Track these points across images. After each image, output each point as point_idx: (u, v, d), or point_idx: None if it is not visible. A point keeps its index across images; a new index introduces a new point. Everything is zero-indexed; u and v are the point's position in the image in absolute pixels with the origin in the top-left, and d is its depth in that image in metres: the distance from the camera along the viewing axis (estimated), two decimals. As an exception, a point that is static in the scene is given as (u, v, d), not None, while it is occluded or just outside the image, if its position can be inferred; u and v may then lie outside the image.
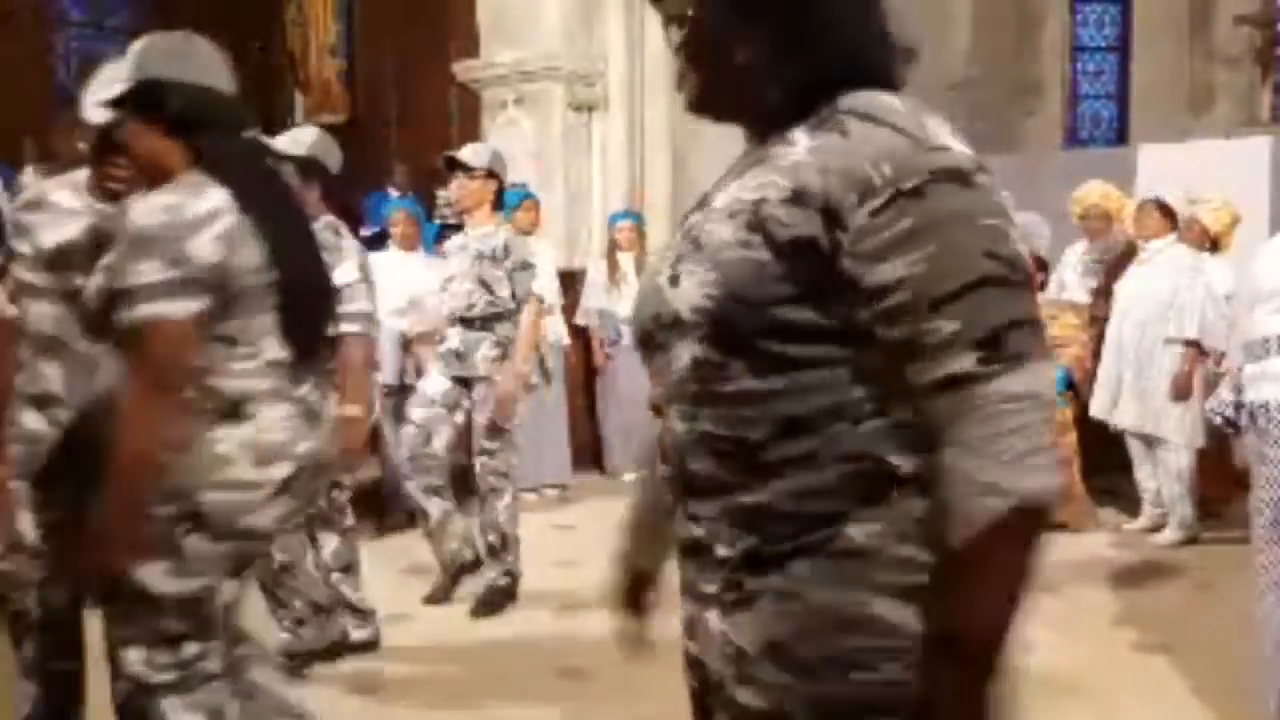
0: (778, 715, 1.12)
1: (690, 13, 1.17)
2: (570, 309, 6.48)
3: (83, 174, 2.42)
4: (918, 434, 1.07)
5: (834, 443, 1.09)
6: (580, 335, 6.60)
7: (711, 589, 1.18)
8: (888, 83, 1.14)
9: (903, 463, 1.08)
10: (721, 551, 1.15)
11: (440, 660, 3.57)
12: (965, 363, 1.01)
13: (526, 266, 3.99)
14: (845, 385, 1.09)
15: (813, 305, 1.07)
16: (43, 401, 2.36)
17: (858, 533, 1.08)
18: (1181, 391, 4.88)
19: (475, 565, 4.08)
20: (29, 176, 5.74)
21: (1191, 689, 3.27)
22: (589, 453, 6.65)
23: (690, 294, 1.11)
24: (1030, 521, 1.04)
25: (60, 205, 2.39)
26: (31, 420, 2.36)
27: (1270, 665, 2.59)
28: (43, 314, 2.35)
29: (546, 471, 6.20)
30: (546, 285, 6.25)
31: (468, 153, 3.99)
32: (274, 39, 9.95)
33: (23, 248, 2.37)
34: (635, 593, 1.50)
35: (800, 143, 1.09)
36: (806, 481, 1.09)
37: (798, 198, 1.06)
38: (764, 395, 1.10)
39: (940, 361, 1.02)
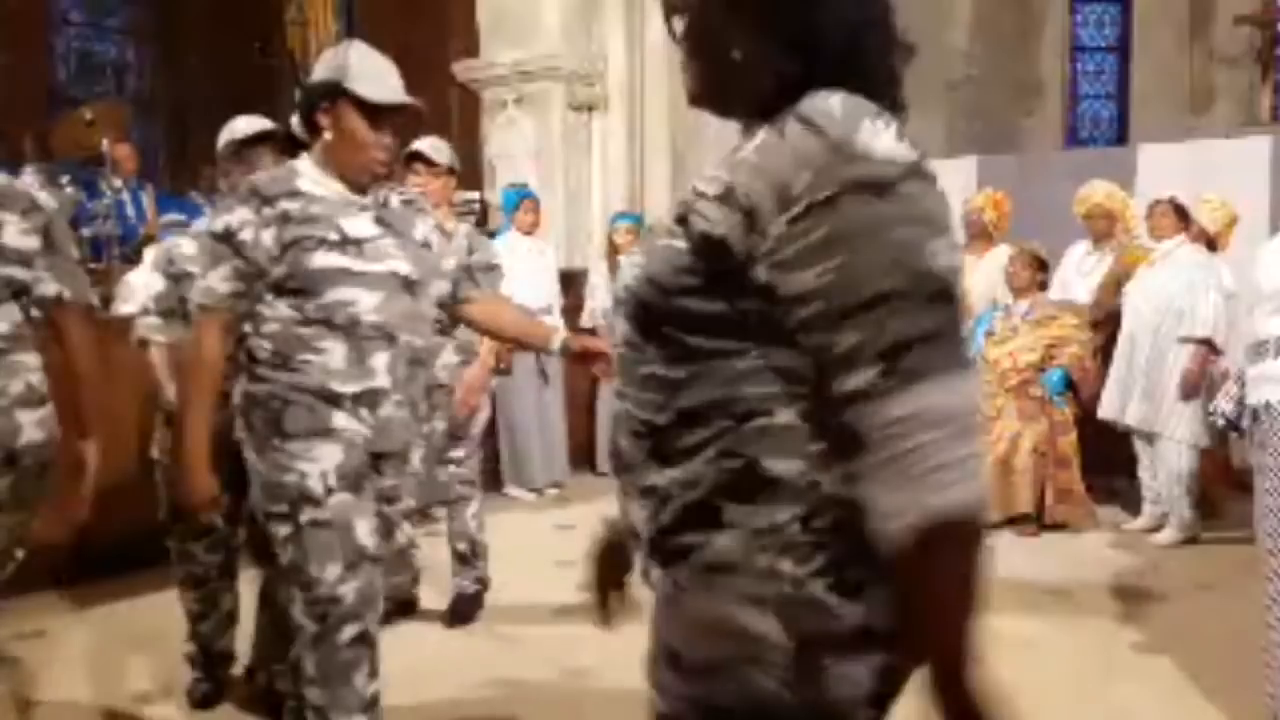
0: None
1: (692, 3, 1.18)
2: (570, 309, 6.47)
3: None
4: (801, 438, 1.08)
5: (718, 438, 1.10)
6: (579, 335, 6.59)
7: (642, 567, 1.22)
8: (881, 81, 1.13)
9: (774, 466, 1.08)
10: (641, 531, 1.19)
11: (439, 660, 3.57)
12: (862, 379, 1.00)
13: (492, 268, 3.87)
14: (738, 382, 1.09)
15: (716, 300, 1.08)
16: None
17: (724, 541, 1.10)
18: (1190, 389, 4.88)
19: (412, 607, 4.00)
20: (29, 176, 5.73)
21: (1192, 689, 3.27)
22: (588, 453, 6.65)
23: (626, 273, 1.17)
24: (952, 535, 1.01)
25: None
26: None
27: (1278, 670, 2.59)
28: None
29: (546, 471, 6.20)
30: (548, 286, 6.27)
31: (428, 147, 3.85)
32: (274, 39, 9.94)
33: None
34: (610, 563, 1.49)
35: (757, 140, 1.10)
36: (692, 472, 1.11)
37: (725, 196, 1.07)
38: (670, 382, 1.12)
39: (842, 376, 1.02)
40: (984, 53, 10.80)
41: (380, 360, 2.32)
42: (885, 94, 1.12)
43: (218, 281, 2.29)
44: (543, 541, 5.00)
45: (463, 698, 3.26)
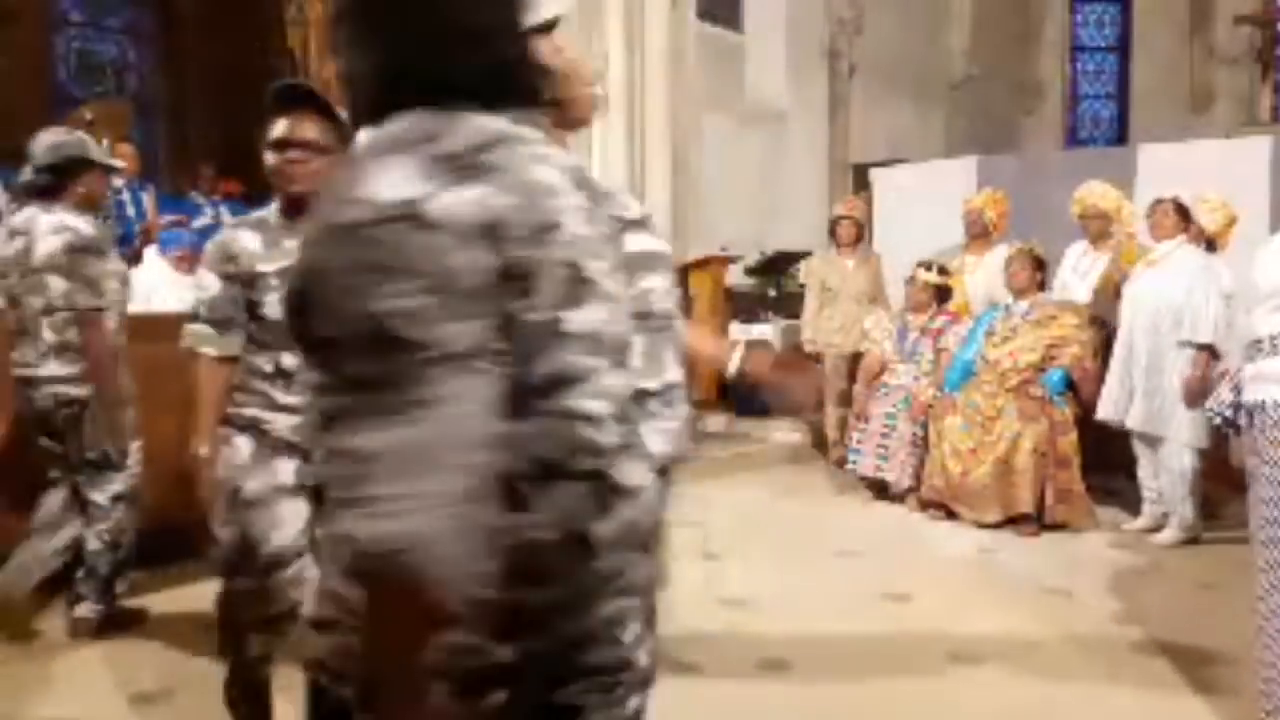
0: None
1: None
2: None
3: None
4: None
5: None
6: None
7: None
8: (481, 101, 1.14)
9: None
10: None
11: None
12: (318, 411, 1.05)
13: None
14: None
15: None
16: None
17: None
18: (1194, 397, 4.85)
19: None
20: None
21: (1192, 689, 3.27)
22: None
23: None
24: (381, 569, 0.99)
25: None
26: None
27: (1273, 667, 2.59)
28: None
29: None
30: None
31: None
32: (274, 39, 9.95)
33: None
34: None
35: None
36: None
37: None
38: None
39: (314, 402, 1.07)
40: (984, 53, 10.81)
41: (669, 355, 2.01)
42: (504, 106, 1.13)
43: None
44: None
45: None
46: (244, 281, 2.48)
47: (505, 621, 1.09)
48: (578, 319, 1.13)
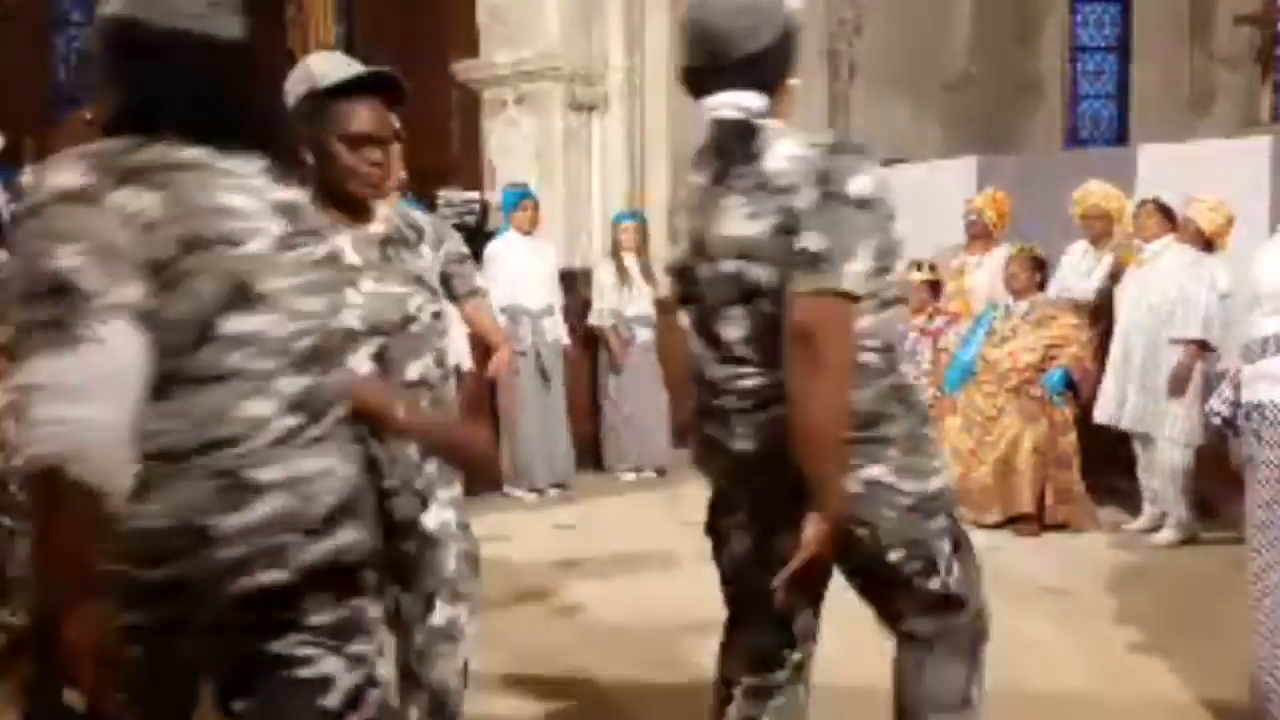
0: None
1: None
2: (571, 310, 6.47)
3: None
4: None
5: None
6: (581, 335, 6.59)
7: None
8: (194, 138, 1.42)
9: None
10: None
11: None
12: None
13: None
14: None
15: None
16: None
17: None
18: (1179, 386, 4.86)
19: None
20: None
21: (1191, 689, 3.27)
22: (590, 452, 6.65)
23: None
24: (42, 481, 1.25)
25: None
26: None
27: (1270, 668, 2.60)
28: None
29: (549, 472, 6.20)
30: (548, 287, 6.27)
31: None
32: (274, 39, 9.95)
33: None
34: None
35: None
36: None
37: None
38: None
39: None
40: (984, 53, 10.80)
41: None
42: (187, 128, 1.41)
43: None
44: (543, 541, 4.99)
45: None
46: None
47: (124, 591, 1.33)
48: (237, 324, 1.36)
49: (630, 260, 6.51)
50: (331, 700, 1.47)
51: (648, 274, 6.52)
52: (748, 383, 1.87)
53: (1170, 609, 4.07)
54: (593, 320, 6.50)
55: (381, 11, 9.32)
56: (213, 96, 1.43)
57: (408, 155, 3.70)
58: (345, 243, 2.05)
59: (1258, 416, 2.58)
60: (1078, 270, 5.80)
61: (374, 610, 1.57)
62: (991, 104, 10.63)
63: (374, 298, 2.10)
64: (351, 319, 1.94)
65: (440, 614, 2.29)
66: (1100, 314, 5.56)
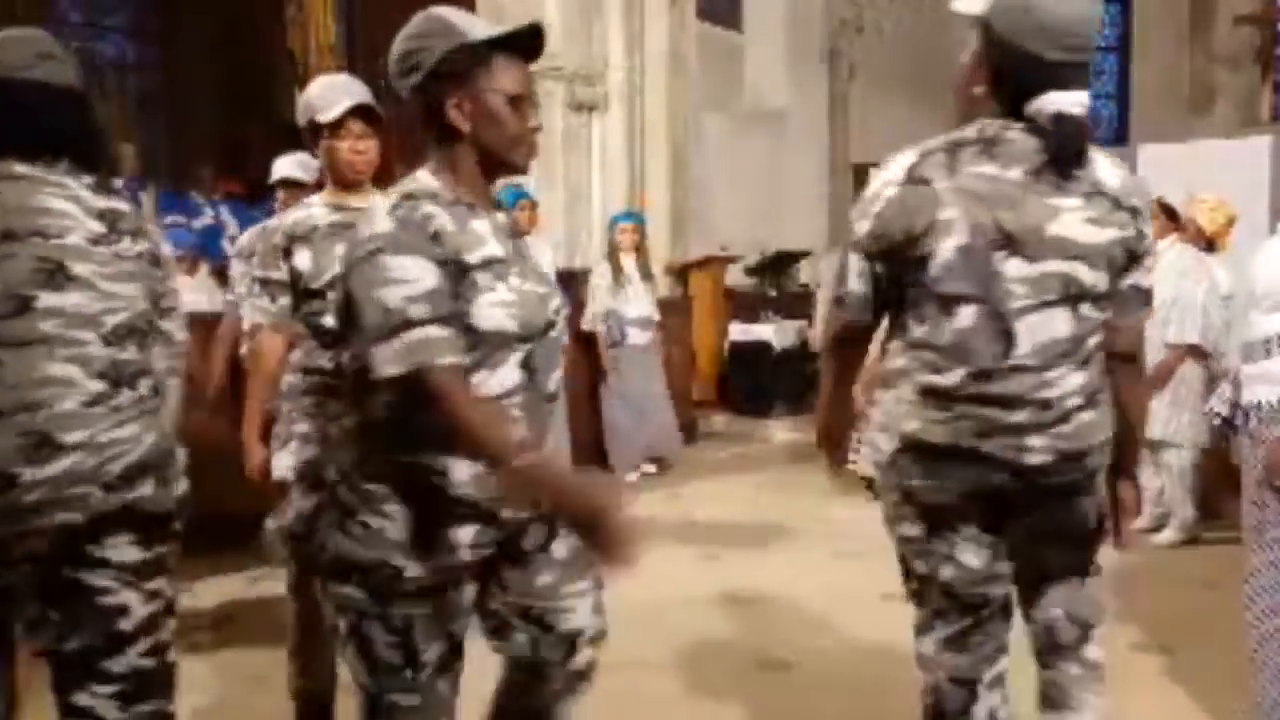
0: None
1: None
2: (571, 311, 6.47)
3: None
4: None
5: None
6: (581, 337, 6.59)
7: None
8: (18, 156, 1.81)
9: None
10: None
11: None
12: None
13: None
14: None
15: None
16: None
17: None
18: (1160, 382, 4.81)
19: None
20: None
21: (1192, 689, 3.27)
22: (591, 452, 6.65)
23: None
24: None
25: None
26: None
27: (1266, 669, 2.60)
28: None
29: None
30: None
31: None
32: (274, 39, 9.95)
33: None
34: None
35: None
36: None
37: None
38: None
39: None
40: (984, 53, 10.80)
41: None
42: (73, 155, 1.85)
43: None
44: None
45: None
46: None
47: None
48: (50, 300, 1.72)
49: (628, 261, 6.50)
50: (125, 624, 1.82)
51: (646, 274, 6.51)
52: (1067, 383, 1.89)
53: (1170, 609, 4.07)
54: (584, 325, 6.50)
55: (381, 11, 9.31)
56: (43, 128, 1.83)
57: (408, 155, 3.72)
58: (486, 229, 1.79)
59: (1254, 416, 2.58)
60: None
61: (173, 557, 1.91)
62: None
63: (525, 296, 1.78)
64: (505, 319, 1.73)
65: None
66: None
